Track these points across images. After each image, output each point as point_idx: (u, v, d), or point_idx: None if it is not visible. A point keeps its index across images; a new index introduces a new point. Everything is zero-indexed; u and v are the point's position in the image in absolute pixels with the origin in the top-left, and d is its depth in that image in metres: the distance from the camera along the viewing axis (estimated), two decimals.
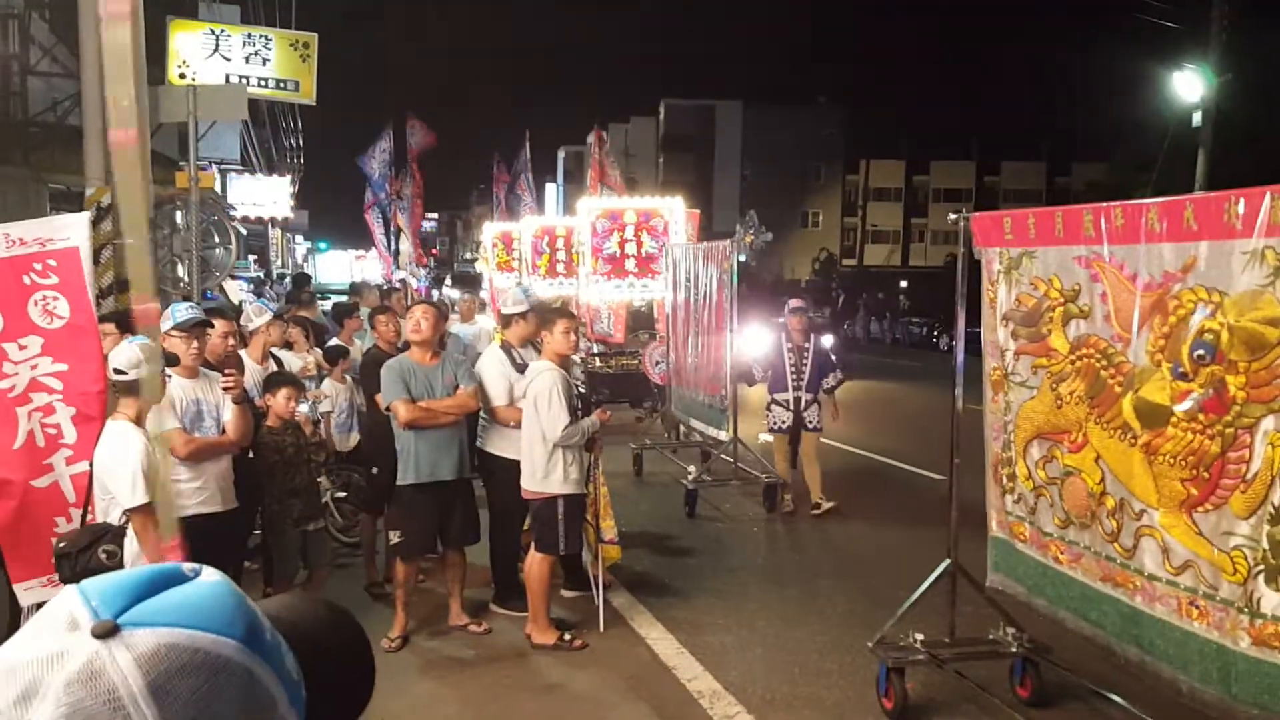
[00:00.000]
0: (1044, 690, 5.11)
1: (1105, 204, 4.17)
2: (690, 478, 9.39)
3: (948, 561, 5.28)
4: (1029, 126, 68.28)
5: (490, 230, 18.95)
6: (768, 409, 9.46)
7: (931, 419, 14.78)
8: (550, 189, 29.45)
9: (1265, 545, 3.41)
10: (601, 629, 6.18)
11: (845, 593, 7.13)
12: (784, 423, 9.35)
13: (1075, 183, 54.03)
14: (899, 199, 69.30)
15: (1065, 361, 4.42)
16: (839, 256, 61.39)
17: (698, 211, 14.56)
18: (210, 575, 0.83)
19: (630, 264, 12.83)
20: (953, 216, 5.23)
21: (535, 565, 6.04)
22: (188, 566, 0.82)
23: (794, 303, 9.84)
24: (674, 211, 13.00)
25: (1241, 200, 3.43)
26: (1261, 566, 3.44)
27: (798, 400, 9.28)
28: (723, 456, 9.65)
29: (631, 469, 10.89)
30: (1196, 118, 23.87)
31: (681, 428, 11.43)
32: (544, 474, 5.97)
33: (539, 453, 5.95)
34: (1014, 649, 5.13)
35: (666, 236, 12.63)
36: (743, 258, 9.30)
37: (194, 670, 0.74)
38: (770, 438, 9.69)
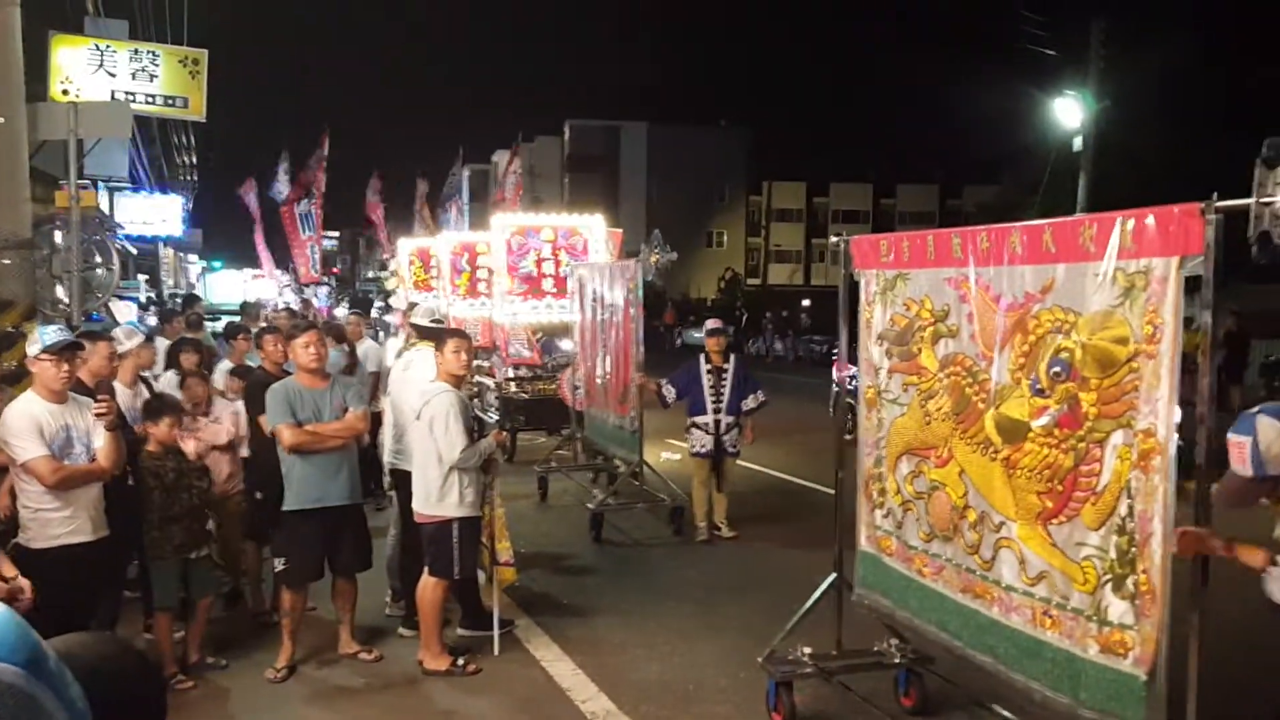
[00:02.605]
0: (927, 700, 5.24)
1: (972, 228, 4.29)
2: (594, 501, 9.24)
3: (834, 575, 5.35)
4: (923, 151, 70.42)
5: (406, 246, 18.05)
6: (688, 431, 9.23)
7: (829, 435, 15.04)
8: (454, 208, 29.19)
9: (1113, 555, 3.54)
10: (496, 652, 6.13)
11: (741, 608, 7.19)
12: (704, 447, 9.08)
13: (966, 205, 55.75)
14: (801, 220, 70.68)
15: (934, 379, 4.53)
16: (743, 276, 62.14)
17: (620, 231, 14.43)
18: None
19: (548, 284, 12.45)
20: (833, 240, 5.32)
21: (428, 590, 5.95)
22: None
23: (712, 323, 9.61)
24: (593, 230, 12.72)
25: (1095, 225, 3.59)
26: (1109, 576, 3.57)
27: (718, 423, 9.02)
28: (631, 480, 9.51)
29: (536, 492, 10.69)
30: (1077, 142, 24.94)
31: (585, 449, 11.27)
32: (439, 496, 5.89)
33: (434, 475, 5.88)
34: (898, 660, 5.24)
35: (586, 256, 12.30)
36: (649, 277, 9.20)
37: None
38: (675, 457, 9.66)
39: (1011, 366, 4.01)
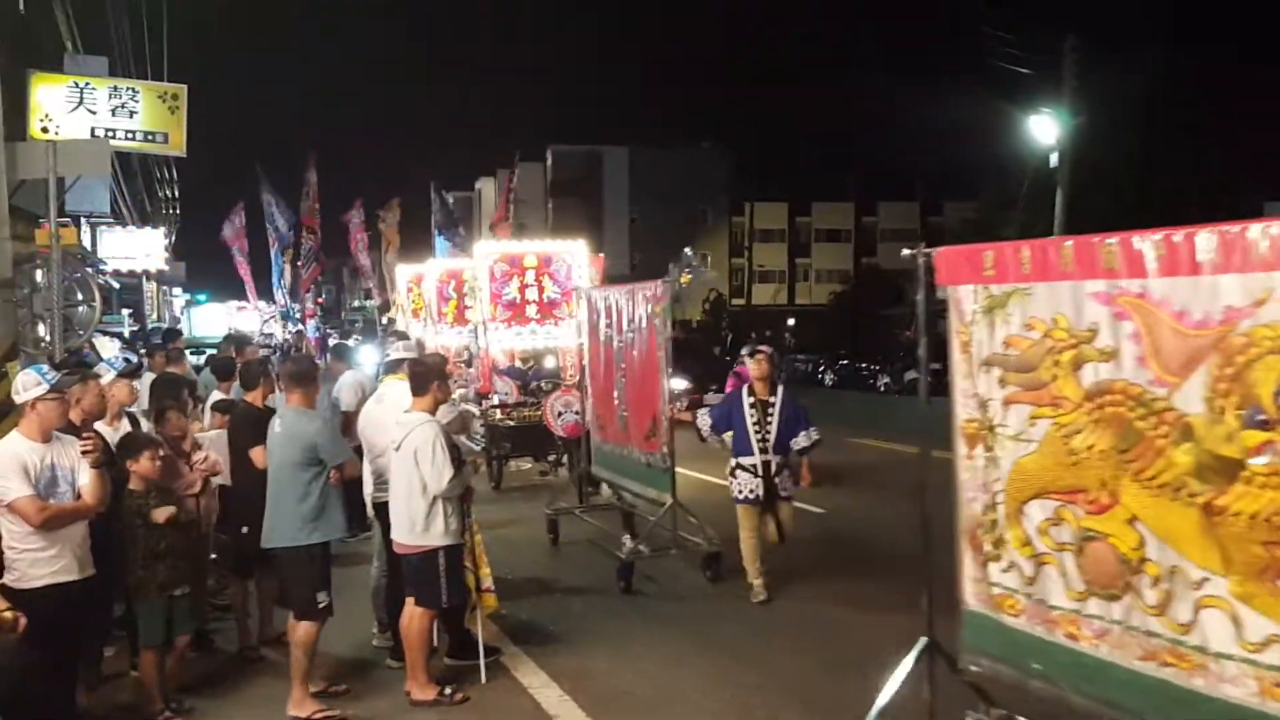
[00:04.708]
0: None
1: (1134, 233, 3.67)
2: (625, 549, 8.37)
3: (925, 640, 4.72)
4: (903, 169, 70.84)
5: (405, 272, 17.77)
6: (732, 474, 7.99)
7: (828, 459, 15.01)
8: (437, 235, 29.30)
9: None
10: (484, 680, 6.14)
11: (730, 629, 7.21)
12: (752, 492, 7.82)
13: (948, 221, 56.12)
14: (783, 239, 71.06)
15: (1079, 411, 3.89)
16: (728, 296, 62.40)
17: (602, 256, 14.49)
18: None
19: (531, 310, 12.57)
20: (907, 253, 4.71)
21: (415, 620, 5.97)
22: None
23: (757, 347, 8.40)
24: (576, 254, 12.85)
25: None
26: None
27: (766, 465, 7.81)
28: (661, 526, 8.40)
29: (546, 536, 9.90)
30: (1054, 158, 25.26)
31: (604, 488, 10.38)
32: (424, 526, 5.91)
33: (418, 505, 5.89)
34: None
35: (570, 280, 12.46)
36: (680, 300, 8.26)
37: None
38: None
39: (1208, 394, 3.42)
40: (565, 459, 12.60)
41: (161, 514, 5.49)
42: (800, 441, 7.93)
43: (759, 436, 7.84)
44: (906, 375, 33.86)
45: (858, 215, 71.17)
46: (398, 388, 6.51)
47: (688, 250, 8.42)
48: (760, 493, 7.82)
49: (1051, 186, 24.80)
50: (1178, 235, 3.50)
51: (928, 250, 4.57)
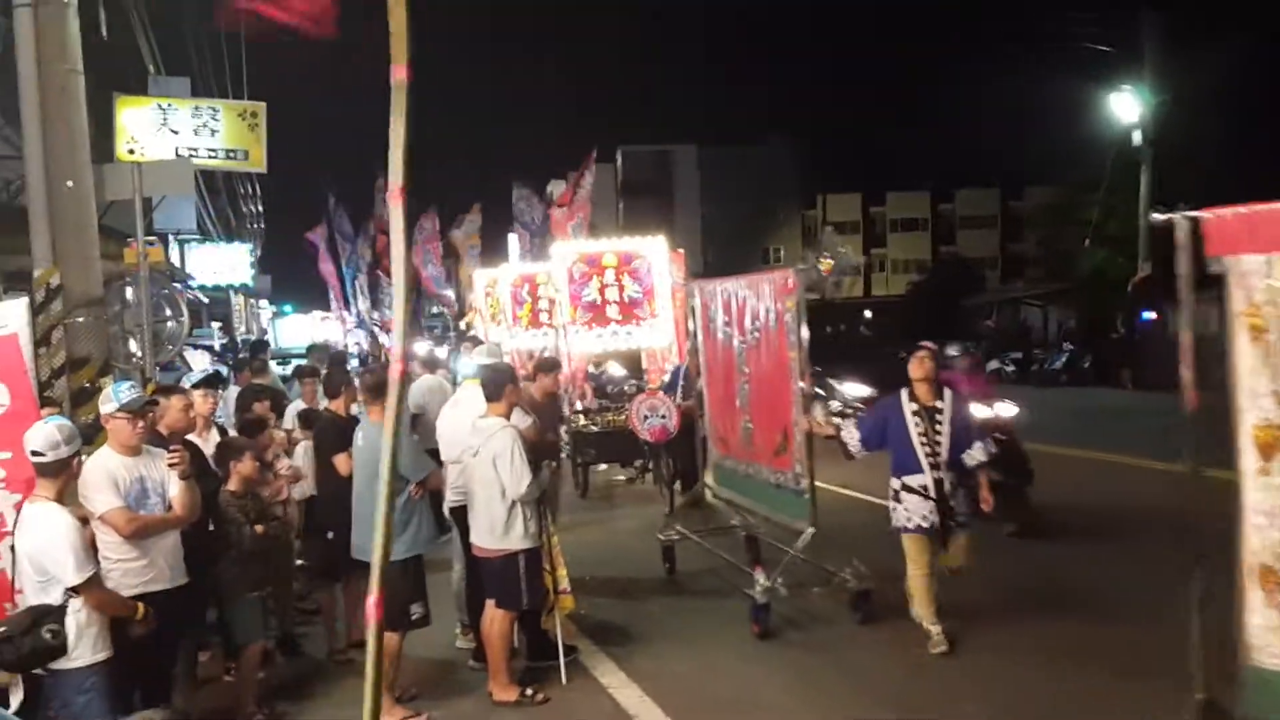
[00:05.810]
0: None
1: None
2: (758, 587, 6.98)
3: (1201, 698, 3.97)
4: (980, 154, 69.45)
5: (482, 277, 17.70)
6: (895, 498, 6.62)
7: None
8: (511, 238, 29.60)
9: None
10: (564, 681, 6.19)
11: (803, 623, 7.16)
12: (924, 518, 6.46)
13: (1028, 206, 54.95)
14: (857, 231, 70.28)
15: None
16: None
17: (682, 251, 14.21)
18: None
19: (612, 310, 12.20)
20: (1160, 217, 3.91)
21: (496, 622, 6.05)
22: None
23: (921, 345, 7.01)
24: (656, 251, 12.41)
25: None
26: None
27: (939, 484, 6.48)
28: (801, 558, 7.14)
29: (662, 566, 8.68)
30: (1136, 137, 24.57)
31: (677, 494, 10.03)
32: (504, 530, 5.98)
33: (498, 510, 5.97)
34: None
35: (651, 278, 12.15)
36: (819, 291, 7.19)
37: None
38: None
39: None
40: (650, 464, 12.36)
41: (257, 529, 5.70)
42: (976, 454, 6.57)
43: (927, 451, 6.49)
44: (989, 365, 33.34)
45: (934, 203, 70.09)
46: (474, 392, 6.59)
47: (829, 227, 7.22)
48: (935, 519, 6.45)
49: (1134, 167, 24.14)
50: None
51: (1193, 214, 3.72)
